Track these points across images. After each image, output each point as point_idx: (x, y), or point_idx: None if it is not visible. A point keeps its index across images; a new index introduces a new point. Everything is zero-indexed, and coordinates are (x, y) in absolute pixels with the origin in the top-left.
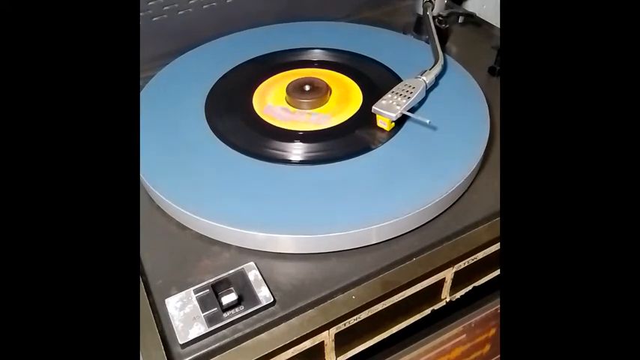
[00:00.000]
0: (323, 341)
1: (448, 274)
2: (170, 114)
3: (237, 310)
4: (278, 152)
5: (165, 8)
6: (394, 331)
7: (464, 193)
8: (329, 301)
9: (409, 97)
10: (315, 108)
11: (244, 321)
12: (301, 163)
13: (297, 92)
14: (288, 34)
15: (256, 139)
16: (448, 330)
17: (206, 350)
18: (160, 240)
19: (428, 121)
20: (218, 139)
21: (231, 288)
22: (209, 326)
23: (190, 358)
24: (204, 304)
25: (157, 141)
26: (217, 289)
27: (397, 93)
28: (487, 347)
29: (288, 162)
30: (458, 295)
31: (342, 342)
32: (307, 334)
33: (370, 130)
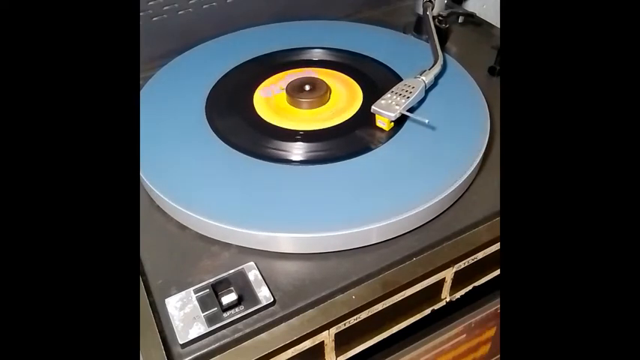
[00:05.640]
0: (323, 341)
1: (448, 274)
2: (170, 114)
3: (237, 310)
4: (278, 152)
5: (165, 8)
6: (394, 331)
7: (464, 193)
8: (329, 301)
9: (408, 97)
10: (315, 108)
11: (244, 321)
12: (301, 162)
13: (297, 92)
14: (288, 34)
15: (256, 138)
16: (448, 330)
17: (206, 350)
18: (160, 240)
19: (427, 121)
20: (218, 139)
21: (231, 288)
22: (209, 326)
23: (190, 358)
24: (204, 304)
25: (156, 141)
26: (217, 289)
27: (396, 93)
28: (487, 347)
29: (289, 162)
30: (458, 295)
31: (342, 342)
32: (307, 334)
33: (370, 130)
